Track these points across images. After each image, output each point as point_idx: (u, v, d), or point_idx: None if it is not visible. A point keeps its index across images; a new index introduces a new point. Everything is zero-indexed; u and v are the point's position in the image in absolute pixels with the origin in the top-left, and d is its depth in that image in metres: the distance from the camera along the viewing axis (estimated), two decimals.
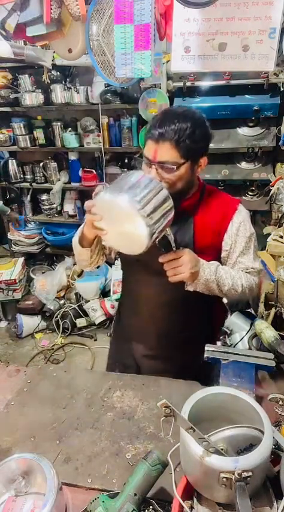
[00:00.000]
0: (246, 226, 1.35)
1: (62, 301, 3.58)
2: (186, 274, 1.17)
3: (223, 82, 2.69)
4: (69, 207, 3.69)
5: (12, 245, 3.90)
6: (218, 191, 1.41)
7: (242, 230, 1.34)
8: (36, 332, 3.50)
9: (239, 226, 1.33)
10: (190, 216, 1.32)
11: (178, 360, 1.46)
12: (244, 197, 3.05)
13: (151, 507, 0.93)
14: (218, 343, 2.66)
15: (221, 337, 2.72)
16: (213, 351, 1.34)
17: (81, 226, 1.32)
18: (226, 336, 2.69)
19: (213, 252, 1.34)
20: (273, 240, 2.13)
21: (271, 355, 1.33)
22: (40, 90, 3.28)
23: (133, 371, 1.52)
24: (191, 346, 1.37)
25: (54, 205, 3.71)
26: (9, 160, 3.65)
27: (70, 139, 3.31)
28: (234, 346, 2.58)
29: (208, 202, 1.34)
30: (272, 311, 2.09)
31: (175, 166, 1.17)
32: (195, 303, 1.37)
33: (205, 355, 1.31)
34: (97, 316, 3.35)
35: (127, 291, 1.57)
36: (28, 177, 3.70)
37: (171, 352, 1.47)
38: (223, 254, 1.36)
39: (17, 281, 3.47)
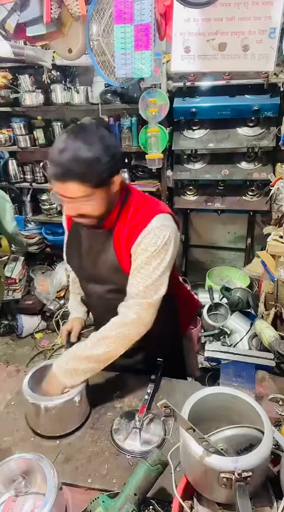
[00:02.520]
0: (151, 241, 1.18)
1: (62, 301, 3.57)
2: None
3: (223, 82, 2.69)
4: None
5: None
6: (142, 200, 1.28)
7: (145, 246, 1.19)
8: (36, 332, 3.50)
9: (142, 241, 1.19)
10: (110, 232, 1.25)
11: (140, 356, 1.45)
12: (244, 197, 3.06)
13: (151, 507, 0.93)
14: (218, 342, 2.66)
15: (221, 337, 2.73)
16: (213, 351, 1.34)
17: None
18: (226, 336, 2.70)
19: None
20: (273, 240, 2.13)
21: (271, 355, 1.34)
22: (40, 90, 3.27)
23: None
24: (151, 342, 1.30)
25: (54, 205, 3.71)
26: (9, 160, 3.65)
27: None
28: (234, 346, 2.58)
29: (127, 214, 1.24)
30: (272, 311, 2.09)
31: (88, 200, 1.11)
32: None
33: (205, 355, 1.32)
34: None
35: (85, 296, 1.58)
36: (28, 177, 3.69)
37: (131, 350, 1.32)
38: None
39: (17, 281, 3.47)
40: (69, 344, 1.46)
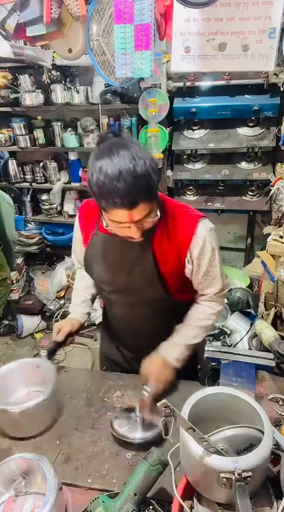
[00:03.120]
0: (207, 248, 1.24)
1: (62, 301, 3.58)
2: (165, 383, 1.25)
3: (223, 82, 2.69)
4: (69, 207, 3.68)
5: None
6: (179, 207, 1.30)
7: (203, 253, 1.25)
8: (36, 332, 3.50)
9: (200, 250, 1.24)
10: (149, 241, 1.23)
11: None
12: (244, 197, 3.06)
13: (151, 507, 0.93)
14: (218, 342, 2.66)
15: (221, 337, 2.73)
16: (213, 351, 1.34)
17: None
18: (226, 336, 2.70)
19: (178, 275, 1.29)
20: (273, 240, 2.13)
21: (271, 355, 1.34)
22: (40, 90, 3.27)
23: (124, 370, 1.53)
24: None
25: (54, 205, 3.70)
26: (9, 160, 3.64)
27: (70, 139, 3.31)
28: (234, 346, 2.58)
29: (167, 222, 1.24)
30: (272, 311, 2.09)
31: (151, 215, 1.12)
32: (166, 313, 1.36)
33: (205, 355, 1.32)
34: (97, 316, 3.34)
35: (105, 304, 1.58)
36: (28, 177, 3.69)
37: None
38: (188, 275, 1.30)
39: (14, 282, 3.47)
40: (53, 344, 1.44)
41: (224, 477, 0.77)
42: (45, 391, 1.19)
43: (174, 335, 1.33)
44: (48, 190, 3.63)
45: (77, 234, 1.42)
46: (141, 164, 1.01)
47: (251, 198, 3.05)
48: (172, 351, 1.29)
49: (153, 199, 1.09)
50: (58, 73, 3.19)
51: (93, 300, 1.57)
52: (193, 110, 2.79)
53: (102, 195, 1.04)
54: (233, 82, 2.67)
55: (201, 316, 1.35)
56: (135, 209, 1.05)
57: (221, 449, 0.84)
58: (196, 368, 1.64)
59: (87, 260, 1.39)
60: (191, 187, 3.16)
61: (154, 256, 1.24)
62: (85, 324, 1.54)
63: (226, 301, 1.38)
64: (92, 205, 1.35)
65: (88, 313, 1.55)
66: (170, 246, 1.24)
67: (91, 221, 1.36)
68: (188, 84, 2.75)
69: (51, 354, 1.40)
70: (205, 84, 2.77)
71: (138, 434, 1.13)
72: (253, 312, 2.74)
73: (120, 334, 1.53)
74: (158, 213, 1.15)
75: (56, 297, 3.58)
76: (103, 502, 0.85)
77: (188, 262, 1.26)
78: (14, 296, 3.51)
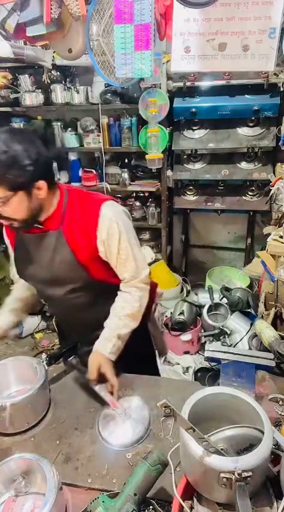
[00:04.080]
0: (114, 229, 1.28)
1: None
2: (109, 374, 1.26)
3: (223, 82, 2.69)
4: None
5: None
6: (84, 195, 1.35)
7: (111, 234, 1.28)
8: (36, 332, 3.50)
9: (107, 231, 1.27)
10: (60, 232, 1.29)
11: None
12: (244, 197, 3.06)
13: (151, 507, 0.93)
14: (218, 342, 2.66)
15: (221, 337, 2.73)
16: (213, 351, 1.34)
17: None
18: (226, 336, 2.70)
19: (96, 259, 1.32)
20: (273, 240, 2.13)
21: (271, 355, 1.34)
22: (40, 90, 3.27)
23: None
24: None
25: None
26: None
27: (70, 139, 3.31)
28: (234, 346, 2.58)
29: (74, 210, 1.29)
30: (272, 311, 2.09)
31: (5, 202, 1.13)
32: (100, 296, 1.39)
33: (205, 355, 1.31)
34: None
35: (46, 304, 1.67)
36: None
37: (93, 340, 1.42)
38: (104, 259, 1.34)
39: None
40: (58, 350, 1.52)
41: (224, 477, 0.77)
42: (32, 388, 1.20)
43: (105, 329, 1.35)
44: None
45: (6, 241, 1.47)
46: (5, 153, 1.08)
47: (251, 198, 3.05)
48: (105, 345, 1.31)
49: (3, 188, 1.10)
50: (58, 73, 3.18)
51: (23, 310, 1.58)
52: (193, 110, 2.79)
53: None
54: (233, 82, 2.67)
55: (124, 304, 1.36)
56: None
57: (221, 449, 0.84)
58: (152, 351, 1.69)
59: (17, 264, 1.44)
60: (191, 187, 3.16)
61: (68, 245, 1.28)
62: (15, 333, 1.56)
63: (148, 287, 1.41)
64: None
65: (17, 322, 1.55)
66: (80, 232, 1.28)
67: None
68: (188, 84, 2.75)
69: (52, 360, 1.40)
70: (205, 84, 2.77)
71: (129, 437, 1.13)
72: (253, 312, 2.74)
73: (67, 328, 1.63)
74: (22, 210, 1.17)
75: None
76: (103, 502, 0.85)
77: (100, 245, 1.29)
78: None
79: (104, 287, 1.37)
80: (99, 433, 1.18)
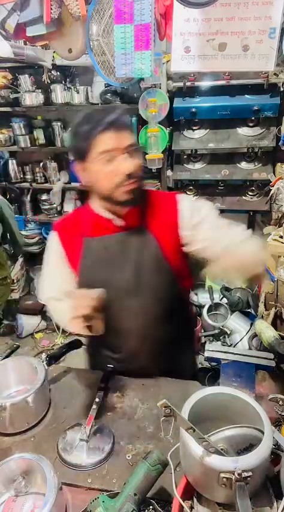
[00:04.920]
0: (195, 204, 1.30)
1: None
2: None
3: (223, 82, 2.68)
4: (69, 207, 3.68)
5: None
6: (153, 192, 1.38)
7: (195, 209, 1.26)
8: (36, 332, 3.50)
9: (189, 210, 1.26)
10: (145, 227, 1.25)
11: (161, 361, 1.38)
12: (244, 197, 3.05)
13: (151, 507, 0.93)
14: (218, 342, 2.66)
15: (221, 337, 2.73)
16: (213, 351, 1.34)
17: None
18: (226, 336, 2.70)
19: (178, 253, 1.27)
20: (273, 240, 2.13)
21: (271, 355, 1.34)
22: (40, 90, 3.27)
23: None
24: (173, 347, 1.37)
25: (54, 205, 3.70)
26: (9, 160, 3.64)
27: None
28: (234, 346, 2.58)
29: (153, 205, 1.28)
30: (272, 311, 2.09)
31: (135, 152, 1.18)
32: (168, 316, 1.32)
33: (205, 355, 1.31)
34: None
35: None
36: (28, 177, 3.69)
37: (154, 356, 1.37)
38: (191, 245, 1.26)
39: (15, 281, 3.47)
40: (58, 350, 1.42)
41: (224, 477, 0.77)
42: (32, 388, 1.20)
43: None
44: (48, 190, 3.63)
45: (57, 255, 1.32)
46: (124, 114, 1.18)
47: (251, 198, 3.05)
48: None
49: (134, 135, 1.22)
50: (58, 73, 3.18)
51: None
52: (193, 110, 2.79)
53: (90, 129, 1.13)
54: (233, 82, 2.67)
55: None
56: (122, 132, 1.13)
57: (221, 449, 0.84)
58: (196, 367, 1.64)
59: (84, 275, 1.28)
60: (191, 187, 3.15)
61: (156, 239, 1.24)
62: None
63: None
64: (70, 219, 1.38)
65: None
66: (163, 223, 1.25)
67: (74, 235, 1.30)
68: (188, 84, 2.75)
69: (52, 360, 1.39)
70: (205, 84, 2.77)
71: (84, 460, 1.10)
72: (253, 312, 2.74)
73: (119, 340, 1.38)
74: (141, 166, 1.19)
75: None
76: (103, 502, 0.85)
77: (183, 229, 1.25)
78: (15, 296, 3.51)
79: (181, 293, 1.34)
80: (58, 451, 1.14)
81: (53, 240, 1.33)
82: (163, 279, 1.26)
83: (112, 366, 1.40)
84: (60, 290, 1.25)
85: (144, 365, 1.37)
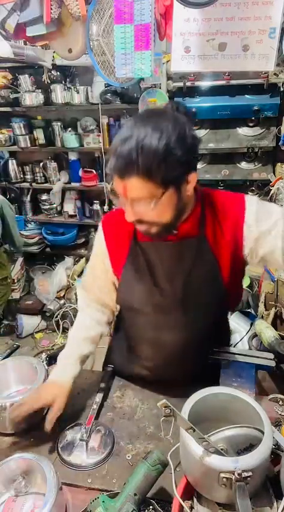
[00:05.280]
0: (267, 212, 1.07)
1: (62, 301, 3.58)
2: None
3: (223, 82, 2.68)
4: (69, 207, 3.68)
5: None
6: (218, 193, 1.17)
7: (265, 218, 1.07)
8: (36, 332, 3.51)
9: (259, 218, 1.06)
10: (202, 238, 1.08)
11: (187, 372, 1.27)
12: None
13: (151, 507, 0.93)
14: None
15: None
16: (213, 350, 1.34)
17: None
18: None
19: (233, 262, 1.11)
20: None
21: (271, 355, 1.33)
22: (40, 90, 3.28)
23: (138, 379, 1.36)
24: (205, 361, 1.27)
25: (54, 205, 3.71)
26: (9, 160, 3.65)
27: (70, 139, 3.31)
28: (234, 346, 2.58)
29: (215, 212, 1.10)
30: (272, 311, 2.09)
31: (154, 201, 0.93)
32: (209, 332, 1.22)
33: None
34: None
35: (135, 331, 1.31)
36: (28, 177, 3.70)
37: (184, 369, 1.26)
38: (251, 257, 1.11)
39: (16, 281, 3.47)
40: (58, 350, 1.33)
41: (224, 477, 0.77)
42: (32, 388, 1.20)
43: None
44: (48, 190, 3.63)
45: (101, 256, 1.21)
46: (160, 139, 0.87)
47: None
48: None
49: (155, 184, 0.90)
50: (58, 73, 3.19)
51: (85, 360, 1.28)
52: (193, 110, 2.79)
53: (110, 154, 0.94)
54: (233, 82, 2.67)
55: None
56: (127, 180, 0.91)
57: (221, 449, 0.84)
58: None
59: (126, 282, 1.18)
60: None
61: (213, 253, 1.09)
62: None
63: None
64: (119, 215, 1.10)
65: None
66: (225, 233, 1.08)
67: (121, 234, 1.16)
68: (188, 84, 2.75)
69: (52, 360, 1.39)
70: (205, 84, 2.77)
71: (84, 460, 1.10)
72: (253, 312, 2.74)
73: (153, 351, 1.27)
74: (169, 211, 0.96)
75: (55, 297, 3.58)
76: (103, 502, 0.85)
77: (248, 239, 1.08)
78: (15, 295, 3.51)
79: (227, 310, 1.24)
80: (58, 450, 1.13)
81: (99, 237, 1.21)
82: (214, 297, 1.13)
83: (112, 366, 1.40)
84: (96, 294, 1.27)
85: (173, 377, 1.26)
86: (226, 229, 1.09)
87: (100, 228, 1.22)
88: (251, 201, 1.09)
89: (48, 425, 1.12)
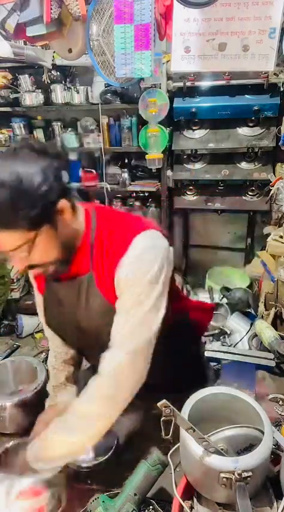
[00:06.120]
0: (138, 270, 0.92)
1: None
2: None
3: (223, 82, 2.69)
4: None
5: None
6: (120, 218, 1.04)
7: (131, 273, 0.92)
8: (36, 332, 3.50)
9: (126, 266, 0.92)
10: (90, 277, 0.99)
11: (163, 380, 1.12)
12: (244, 197, 3.06)
13: (151, 507, 0.93)
14: (218, 342, 2.66)
15: (221, 337, 2.73)
16: (213, 351, 1.34)
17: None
18: (226, 336, 2.70)
19: None
20: (273, 240, 2.14)
21: (271, 355, 1.34)
22: (40, 90, 3.27)
23: None
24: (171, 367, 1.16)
25: None
26: None
27: (70, 139, 3.31)
28: (234, 346, 2.58)
29: (102, 242, 0.97)
30: (272, 311, 2.09)
31: (32, 246, 0.86)
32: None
33: (205, 355, 1.31)
34: None
35: None
36: None
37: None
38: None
39: (15, 280, 3.47)
40: None
41: (224, 477, 0.77)
42: (32, 388, 1.20)
43: (52, 428, 0.98)
44: None
45: (33, 285, 1.22)
46: (12, 186, 0.80)
47: (251, 198, 3.05)
48: (42, 452, 0.97)
49: (18, 230, 0.83)
50: (58, 73, 3.19)
51: (72, 378, 1.24)
52: (193, 110, 2.79)
53: None
54: (233, 82, 2.67)
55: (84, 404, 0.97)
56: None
57: (221, 449, 0.84)
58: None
59: (46, 310, 1.19)
60: (191, 187, 3.15)
61: (99, 291, 0.99)
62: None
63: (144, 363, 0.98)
64: None
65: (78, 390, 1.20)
66: (106, 271, 0.97)
67: None
68: (188, 84, 2.75)
69: None
70: (205, 84, 2.77)
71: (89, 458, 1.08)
72: (253, 312, 2.74)
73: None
74: (54, 247, 0.90)
75: None
76: (103, 502, 0.85)
77: (116, 286, 0.96)
78: (15, 295, 3.51)
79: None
80: None
81: None
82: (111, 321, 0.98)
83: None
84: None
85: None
86: (109, 263, 0.97)
87: None
88: (137, 244, 0.94)
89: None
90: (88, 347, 1.18)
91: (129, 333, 0.93)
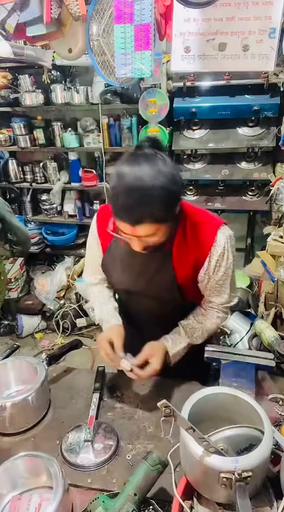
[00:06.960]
0: (225, 258, 1.22)
1: (62, 301, 3.58)
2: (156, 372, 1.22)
3: (223, 82, 2.69)
4: (69, 207, 3.69)
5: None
6: (199, 213, 1.27)
7: (221, 263, 1.22)
8: (36, 332, 3.50)
9: (216, 263, 1.21)
10: (169, 254, 1.22)
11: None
12: (244, 197, 3.06)
13: (151, 507, 0.93)
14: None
15: (221, 337, 2.73)
16: (213, 351, 1.34)
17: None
18: (226, 336, 2.70)
19: (193, 282, 1.28)
20: (273, 240, 2.14)
21: (271, 355, 1.33)
22: (40, 90, 3.28)
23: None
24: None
25: (54, 205, 3.71)
26: (9, 160, 3.65)
27: (70, 139, 3.31)
28: (234, 346, 2.58)
29: (186, 231, 1.22)
30: (272, 311, 2.09)
31: (157, 234, 1.06)
32: (177, 313, 1.37)
33: (205, 355, 1.31)
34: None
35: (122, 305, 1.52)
36: (28, 177, 3.70)
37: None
38: (199, 281, 1.28)
39: (13, 280, 3.47)
40: (58, 350, 1.44)
41: (224, 477, 0.77)
42: (32, 388, 1.20)
43: (181, 331, 1.31)
44: (48, 190, 3.63)
45: (94, 239, 1.37)
46: (157, 184, 0.97)
47: (251, 198, 3.05)
48: (176, 347, 1.29)
49: (161, 222, 1.04)
50: (58, 73, 3.19)
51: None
52: (193, 110, 2.79)
53: (111, 202, 1.06)
54: (233, 82, 2.67)
55: (209, 319, 1.35)
56: (138, 226, 1.02)
57: (221, 449, 0.84)
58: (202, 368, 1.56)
59: (105, 266, 1.37)
60: (191, 187, 3.16)
61: (173, 269, 1.22)
62: (86, 323, 1.52)
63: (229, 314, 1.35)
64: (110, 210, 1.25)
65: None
66: (188, 254, 1.22)
67: (107, 227, 1.31)
68: (188, 84, 2.75)
69: (52, 360, 1.39)
70: (205, 84, 2.78)
71: (91, 460, 1.10)
72: (253, 312, 2.74)
73: (134, 324, 1.46)
74: (168, 234, 1.11)
75: (56, 297, 3.58)
76: (103, 502, 0.85)
77: (204, 269, 1.23)
78: (13, 295, 3.51)
79: (184, 304, 1.34)
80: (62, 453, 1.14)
81: (93, 225, 1.37)
82: (171, 296, 1.29)
83: (103, 365, 1.39)
84: (100, 274, 1.42)
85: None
86: (191, 251, 1.22)
87: (95, 217, 1.38)
88: (221, 238, 1.20)
89: (119, 351, 1.24)
90: (136, 302, 1.39)
91: (228, 297, 1.31)
